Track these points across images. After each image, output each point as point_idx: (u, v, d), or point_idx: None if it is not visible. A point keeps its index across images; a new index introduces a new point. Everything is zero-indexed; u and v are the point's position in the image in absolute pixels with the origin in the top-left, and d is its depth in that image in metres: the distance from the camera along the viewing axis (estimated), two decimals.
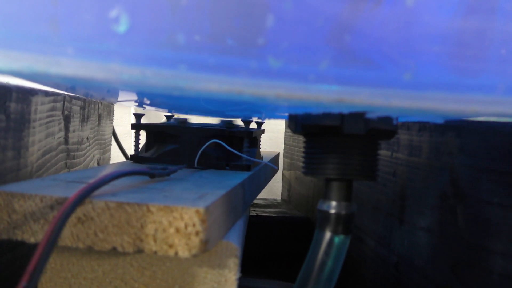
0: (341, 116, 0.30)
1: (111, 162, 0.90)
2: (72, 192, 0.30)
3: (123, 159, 0.91)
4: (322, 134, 0.33)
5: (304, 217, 0.81)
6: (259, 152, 0.61)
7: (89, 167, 0.67)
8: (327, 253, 0.33)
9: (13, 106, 0.36)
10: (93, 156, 0.70)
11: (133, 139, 0.53)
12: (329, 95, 0.20)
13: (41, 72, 0.18)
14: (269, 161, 0.64)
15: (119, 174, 0.32)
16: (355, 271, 0.55)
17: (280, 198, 1.06)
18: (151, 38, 0.19)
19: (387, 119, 0.31)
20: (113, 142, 0.90)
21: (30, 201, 0.29)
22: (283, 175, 1.04)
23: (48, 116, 0.44)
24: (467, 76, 0.22)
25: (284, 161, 1.03)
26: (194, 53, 0.19)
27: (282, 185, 1.05)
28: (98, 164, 0.75)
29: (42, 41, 0.18)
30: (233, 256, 0.34)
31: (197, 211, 0.28)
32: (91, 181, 0.30)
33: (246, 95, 0.19)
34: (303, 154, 0.35)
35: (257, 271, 0.72)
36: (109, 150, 0.87)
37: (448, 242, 0.37)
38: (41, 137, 0.43)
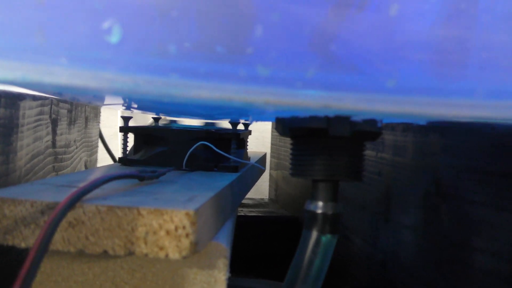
0: (327, 119, 0.31)
1: (98, 164, 0.89)
2: (62, 197, 0.30)
3: (110, 160, 0.90)
4: (308, 136, 0.33)
5: (292, 216, 0.81)
6: (247, 153, 0.61)
7: (76, 170, 0.67)
8: (314, 252, 0.34)
9: (1, 111, 0.36)
10: (81, 159, 0.70)
11: (120, 141, 0.53)
12: (316, 101, 0.21)
13: (35, 82, 0.19)
14: (256, 162, 0.65)
15: (109, 178, 0.33)
16: (342, 270, 0.55)
17: (268, 197, 1.07)
18: (143, 47, 0.19)
19: (372, 121, 0.32)
20: (100, 144, 0.90)
21: (21, 206, 0.29)
22: (270, 175, 1.05)
23: (36, 120, 0.44)
24: (448, 81, 0.22)
25: (271, 161, 1.04)
26: (184, 61, 0.19)
27: (269, 184, 1.06)
28: (86, 166, 0.75)
29: (35, 51, 0.19)
30: (223, 257, 0.35)
31: (187, 214, 0.28)
32: (81, 185, 0.30)
33: (235, 102, 0.20)
34: (290, 156, 0.35)
35: (246, 270, 0.72)
36: (96, 152, 0.87)
37: (432, 240, 0.38)
38: (29, 142, 0.43)
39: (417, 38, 0.22)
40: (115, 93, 0.21)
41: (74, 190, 0.30)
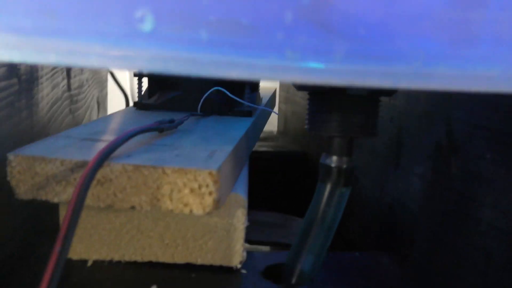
0: None
1: (109, 99, 0.90)
2: (89, 154, 0.31)
3: (119, 94, 0.91)
4: (326, 93, 0.34)
5: (301, 151, 0.83)
6: (259, 95, 0.62)
7: (90, 108, 0.68)
8: (328, 204, 0.36)
9: (23, 67, 0.36)
10: (93, 96, 0.71)
11: (128, 75, 0.54)
12: (341, 79, 0.21)
13: (72, 64, 0.19)
14: (267, 100, 0.65)
15: (131, 134, 0.34)
16: (350, 210, 0.58)
17: (276, 130, 1.08)
18: (174, 33, 0.19)
19: None
20: (109, 78, 0.90)
21: (51, 165, 0.31)
22: (279, 108, 1.06)
23: (52, 69, 0.44)
24: (465, 51, 0.23)
25: (280, 94, 1.04)
26: (213, 46, 0.20)
27: (278, 117, 1.07)
28: (98, 103, 0.76)
29: (71, 36, 0.19)
30: (241, 207, 0.37)
31: (210, 173, 0.30)
32: (107, 140, 0.31)
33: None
34: (307, 111, 0.36)
35: (256, 204, 0.75)
36: (106, 87, 0.88)
37: (440, 190, 0.40)
38: (48, 91, 0.43)
39: (435, 9, 0.22)
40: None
41: (99, 147, 0.31)
